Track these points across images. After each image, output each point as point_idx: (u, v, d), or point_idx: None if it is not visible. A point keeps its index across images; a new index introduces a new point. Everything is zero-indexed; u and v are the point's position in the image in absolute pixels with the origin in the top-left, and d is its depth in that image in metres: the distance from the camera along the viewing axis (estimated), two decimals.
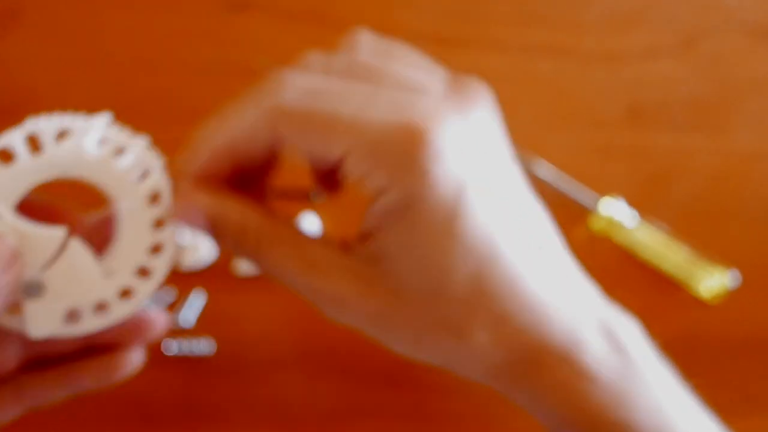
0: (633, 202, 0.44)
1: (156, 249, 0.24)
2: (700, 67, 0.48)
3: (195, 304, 0.40)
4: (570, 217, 0.42)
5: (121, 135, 0.25)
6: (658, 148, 0.46)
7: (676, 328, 0.41)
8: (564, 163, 0.45)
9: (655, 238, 0.41)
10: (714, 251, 0.41)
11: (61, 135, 0.24)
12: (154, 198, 0.24)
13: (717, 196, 0.44)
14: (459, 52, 0.48)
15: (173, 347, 0.39)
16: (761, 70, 0.48)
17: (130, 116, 0.41)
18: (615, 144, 0.46)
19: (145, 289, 0.23)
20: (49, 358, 0.26)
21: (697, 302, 0.41)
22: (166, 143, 0.40)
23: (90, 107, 0.41)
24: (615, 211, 0.41)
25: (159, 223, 0.24)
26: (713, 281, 0.40)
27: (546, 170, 0.43)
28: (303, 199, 0.43)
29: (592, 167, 0.45)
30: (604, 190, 0.44)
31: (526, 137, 0.42)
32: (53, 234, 0.23)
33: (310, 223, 0.42)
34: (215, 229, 0.23)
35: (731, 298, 0.40)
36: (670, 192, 0.45)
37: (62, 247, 0.23)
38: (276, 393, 0.39)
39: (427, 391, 0.39)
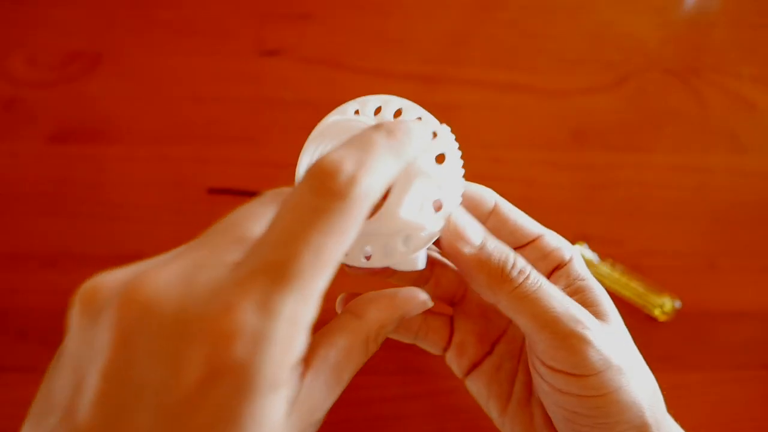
0: (577, 206, 0.48)
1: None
2: (629, 99, 0.51)
3: None
4: None
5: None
6: (596, 163, 0.49)
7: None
8: (521, 176, 0.49)
9: (615, 272, 0.45)
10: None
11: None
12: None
13: (640, 200, 0.48)
14: (439, 87, 0.51)
15: None
16: (675, 101, 0.52)
17: (183, 139, 0.49)
18: (562, 160, 0.50)
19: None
20: None
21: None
22: (213, 160, 0.48)
23: (153, 132, 0.49)
24: (584, 253, 0.45)
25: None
26: (665, 305, 0.44)
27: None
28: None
29: (543, 178, 0.49)
30: (558, 202, 0.49)
31: (493, 154, 0.49)
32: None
33: None
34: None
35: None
36: (604, 197, 0.49)
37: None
38: None
39: (415, 351, 0.40)
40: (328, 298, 0.20)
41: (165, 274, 0.17)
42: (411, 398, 0.42)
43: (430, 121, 0.25)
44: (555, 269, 0.27)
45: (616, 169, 0.50)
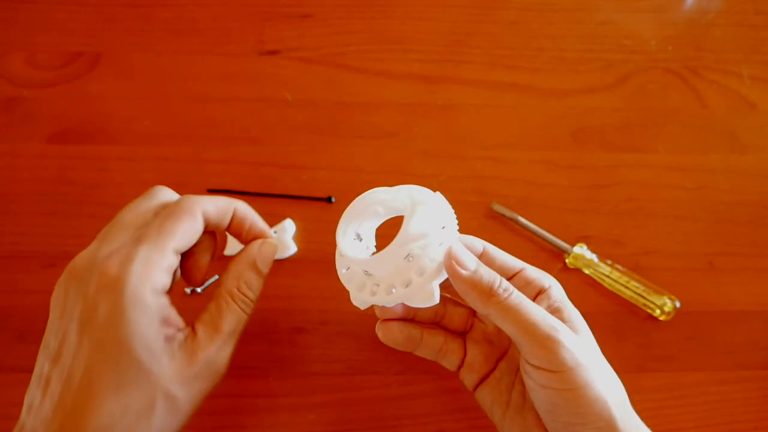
0: (577, 206, 0.48)
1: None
2: (629, 99, 0.51)
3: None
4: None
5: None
6: (596, 163, 0.49)
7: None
8: (521, 176, 0.49)
9: (615, 272, 0.45)
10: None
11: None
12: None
13: (640, 200, 0.48)
14: (441, 87, 0.51)
15: None
16: (676, 100, 0.51)
17: (183, 139, 0.49)
18: (562, 160, 0.49)
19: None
20: None
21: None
22: (213, 160, 0.48)
23: (153, 132, 0.49)
24: (584, 252, 0.45)
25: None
26: (666, 305, 0.44)
27: (529, 222, 0.46)
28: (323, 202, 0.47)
29: (543, 178, 0.48)
30: (558, 202, 0.48)
31: (493, 154, 0.49)
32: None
33: (289, 226, 0.46)
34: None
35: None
36: (604, 197, 0.48)
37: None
38: (299, 352, 0.43)
39: None
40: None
41: (83, 252, 0.31)
42: (413, 398, 0.43)
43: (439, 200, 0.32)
44: (537, 294, 0.34)
45: (616, 169, 0.50)
